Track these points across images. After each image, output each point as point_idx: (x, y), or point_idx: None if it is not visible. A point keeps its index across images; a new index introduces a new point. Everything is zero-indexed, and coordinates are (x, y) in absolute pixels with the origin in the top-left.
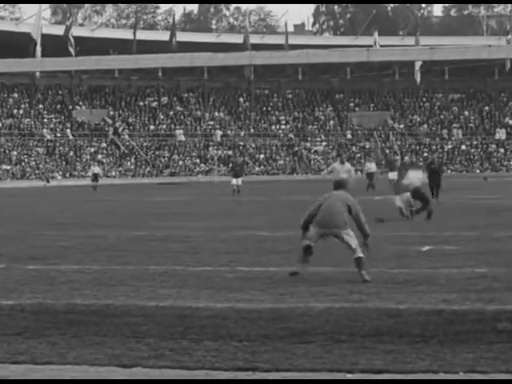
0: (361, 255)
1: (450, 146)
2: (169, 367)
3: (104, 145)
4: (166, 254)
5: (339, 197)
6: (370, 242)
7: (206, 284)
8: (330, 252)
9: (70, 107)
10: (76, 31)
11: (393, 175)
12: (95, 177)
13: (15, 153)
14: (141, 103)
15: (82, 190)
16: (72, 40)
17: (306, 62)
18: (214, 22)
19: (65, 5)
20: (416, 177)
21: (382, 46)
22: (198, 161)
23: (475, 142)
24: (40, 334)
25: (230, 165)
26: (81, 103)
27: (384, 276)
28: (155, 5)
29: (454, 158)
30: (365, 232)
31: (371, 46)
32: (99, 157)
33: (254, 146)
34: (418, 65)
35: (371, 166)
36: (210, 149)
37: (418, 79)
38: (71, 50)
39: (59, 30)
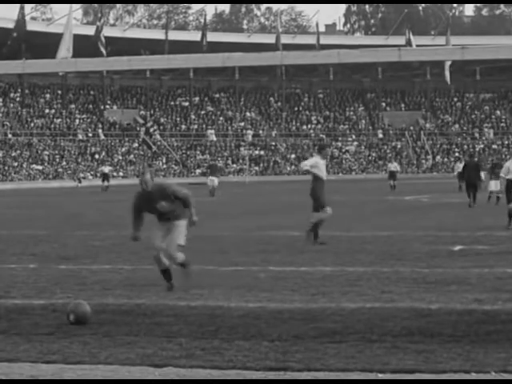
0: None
1: (481, 146)
2: (200, 367)
3: (135, 145)
4: (197, 254)
5: None
6: None
7: (237, 284)
8: (363, 252)
9: (102, 107)
10: (107, 31)
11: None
12: (105, 177)
13: (47, 153)
14: (172, 103)
15: (113, 189)
16: (103, 40)
17: (337, 61)
18: (245, 22)
19: (96, 5)
20: None
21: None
22: (229, 161)
23: (506, 142)
24: (72, 334)
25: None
26: (112, 103)
27: (415, 276)
28: (187, 5)
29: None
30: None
31: (403, 46)
32: (131, 156)
33: (285, 145)
34: (447, 64)
35: (460, 166)
36: (242, 149)
37: (448, 78)
38: (103, 50)
39: (90, 31)
